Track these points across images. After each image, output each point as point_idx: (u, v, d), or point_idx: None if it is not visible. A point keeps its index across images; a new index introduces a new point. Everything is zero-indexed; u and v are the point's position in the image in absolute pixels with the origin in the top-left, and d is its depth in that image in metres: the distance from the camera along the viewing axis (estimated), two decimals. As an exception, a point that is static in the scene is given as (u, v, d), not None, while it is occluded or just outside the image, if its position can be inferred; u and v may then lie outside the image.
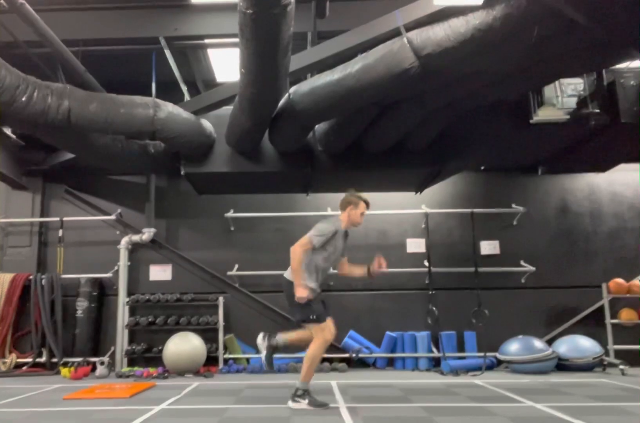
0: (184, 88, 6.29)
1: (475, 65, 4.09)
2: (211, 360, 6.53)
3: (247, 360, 6.77)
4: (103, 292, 7.06)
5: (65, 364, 6.19)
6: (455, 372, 5.99)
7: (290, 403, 3.98)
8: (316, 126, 5.62)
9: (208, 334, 6.66)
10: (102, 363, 6.19)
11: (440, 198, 7.31)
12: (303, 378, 3.99)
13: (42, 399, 4.61)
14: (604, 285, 6.68)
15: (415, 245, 7.21)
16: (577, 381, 5.34)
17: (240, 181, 6.48)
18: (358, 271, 4.44)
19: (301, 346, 4.52)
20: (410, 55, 3.99)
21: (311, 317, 3.98)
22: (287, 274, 4.27)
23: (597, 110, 5.37)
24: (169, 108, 5.32)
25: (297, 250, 4.04)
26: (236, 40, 3.99)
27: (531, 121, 5.47)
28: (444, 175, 6.57)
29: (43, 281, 6.81)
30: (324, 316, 4.02)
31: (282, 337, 4.19)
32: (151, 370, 6.17)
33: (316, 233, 4.08)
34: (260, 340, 4.21)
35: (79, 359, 6.27)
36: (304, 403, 3.93)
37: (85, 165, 6.75)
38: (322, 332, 3.98)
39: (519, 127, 5.67)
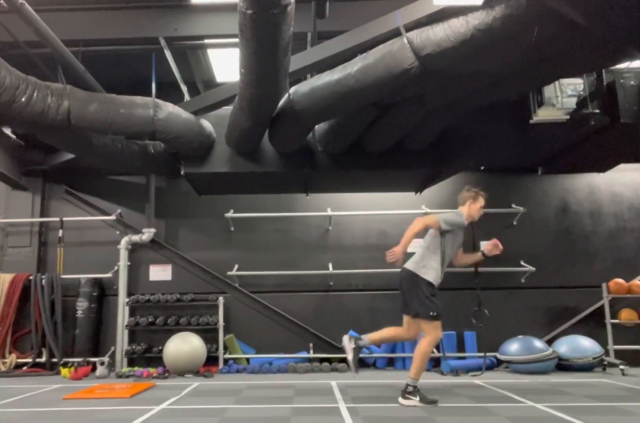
0: (184, 88, 6.30)
1: (475, 65, 4.09)
2: (211, 360, 6.53)
3: (247, 360, 6.77)
4: (103, 292, 7.06)
5: (65, 364, 6.19)
6: (455, 372, 5.99)
7: (401, 400, 4.00)
8: (316, 126, 5.62)
9: (208, 334, 6.66)
10: (102, 363, 6.19)
11: (440, 198, 7.31)
12: (414, 375, 4.00)
13: (42, 399, 4.61)
14: (604, 285, 6.68)
15: (416, 245, 7.17)
16: (577, 381, 5.34)
17: (240, 181, 6.48)
18: (474, 258, 4.62)
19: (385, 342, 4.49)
20: (410, 55, 3.99)
21: (431, 314, 4.02)
22: (410, 265, 4.30)
23: (597, 111, 5.38)
24: (169, 108, 5.33)
25: (420, 221, 4.14)
26: (236, 40, 3.99)
27: (531, 121, 5.47)
28: (444, 175, 6.57)
29: (43, 281, 6.81)
30: (441, 315, 4.06)
31: (368, 337, 4.26)
32: (151, 370, 6.17)
33: (447, 220, 4.16)
34: (347, 342, 4.25)
35: (79, 359, 6.27)
36: (415, 400, 3.95)
37: (85, 165, 6.76)
38: (436, 330, 4.04)
39: (519, 127, 5.67)
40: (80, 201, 7.38)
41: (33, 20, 4.46)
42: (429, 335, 4.04)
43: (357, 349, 4.21)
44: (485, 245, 4.58)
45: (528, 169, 7.27)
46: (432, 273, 4.19)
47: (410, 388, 4.00)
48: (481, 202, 4.41)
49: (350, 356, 4.20)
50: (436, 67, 4.04)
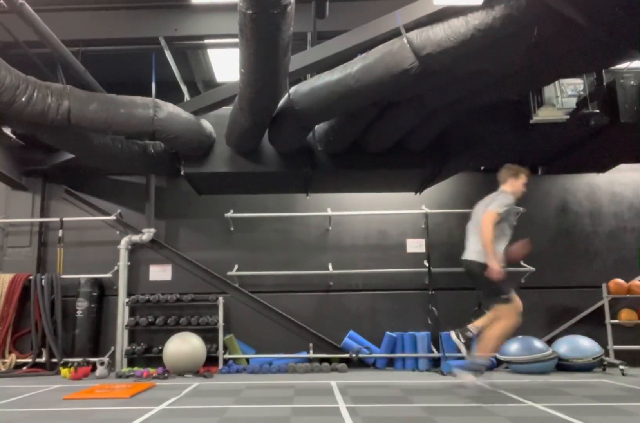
0: (184, 88, 6.29)
1: (475, 65, 4.09)
2: (211, 360, 6.53)
3: (247, 360, 6.77)
4: (103, 292, 7.06)
5: (65, 364, 6.19)
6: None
7: (458, 372, 4.06)
8: (316, 126, 5.62)
9: (208, 334, 6.65)
10: (102, 363, 6.18)
11: (440, 198, 7.31)
12: (482, 351, 4.03)
13: (42, 399, 4.61)
14: (604, 285, 6.68)
15: (415, 245, 7.21)
16: (577, 381, 5.34)
17: (240, 181, 6.48)
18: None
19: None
20: (410, 55, 3.99)
21: (503, 297, 4.06)
22: (472, 255, 4.30)
23: (597, 110, 5.38)
24: (169, 108, 5.32)
25: (488, 224, 4.12)
26: (236, 40, 3.99)
27: (531, 121, 5.47)
28: (444, 175, 6.57)
29: (43, 281, 6.81)
30: (513, 296, 4.07)
31: (474, 326, 4.26)
32: (151, 370, 6.17)
33: (500, 205, 4.19)
34: (455, 337, 4.28)
35: (79, 359, 6.26)
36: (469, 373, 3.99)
37: (85, 165, 6.75)
38: (511, 313, 4.06)
39: (519, 127, 5.67)
40: (80, 201, 7.38)
41: (33, 20, 4.46)
42: (504, 319, 4.05)
43: (469, 341, 4.23)
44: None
45: (528, 169, 7.26)
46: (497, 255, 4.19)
47: (474, 366, 4.03)
48: (523, 178, 4.46)
49: (464, 350, 4.23)
50: (436, 67, 4.04)
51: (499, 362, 6.38)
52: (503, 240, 4.28)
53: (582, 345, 6.11)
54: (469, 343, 4.23)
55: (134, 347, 6.63)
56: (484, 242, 4.11)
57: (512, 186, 4.43)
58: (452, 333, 4.35)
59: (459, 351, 4.39)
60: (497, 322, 4.14)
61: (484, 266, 4.15)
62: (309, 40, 5.24)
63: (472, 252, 4.31)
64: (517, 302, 4.16)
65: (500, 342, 4.08)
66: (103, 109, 4.98)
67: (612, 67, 5.18)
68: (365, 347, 6.68)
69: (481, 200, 4.67)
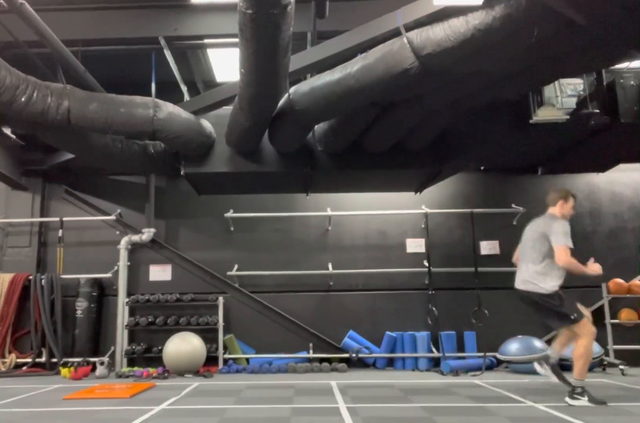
0: (184, 88, 6.29)
1: (475, 65, 4.09)
2: (211, 360, 6.53)
3: (247, 360, 6.77)
4: (103, 292, 7.06)
5: (65, 364, 6.19)
6: (455, 372, 5.99)
7: (569, 400, 3.99)
8: (316, 126, 5.62)
9: (208, 334, 6.66)
10: (102, 363, 6.18)
11: (440, 198, 7.31)
12: (579, 376, 4.01)
13: (42, 399, 4.61)
14: (603, 285, 6.68)
15: (415, 245, 7.21)
16: (577, 381, 5.33)
17: (240, 181, 6.48)
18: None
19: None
20: (410, 55, 3.99)
21: (572, 318, 4.04)
22: (524, 286, 4.30)
23: (597, 110, 5.37)
24: (169, 108, 5.32)
25: (570, 261, 4.15)
26: (236, 40, 3.99)
27: (531, 121, 5.46)
28: (444, 175, 6.57)
29: (43, 281, 6.81)
30: (580, 312, 4.07)
31: (553, 352, 4.29)
32: (151, 370, 6.16)
33: (565, 236, 4.16)
34: (540, 369, 4.31)
35: (79, 359, 6.27)
36: (584, 400, 3.95)
37: (85, 165, 6.76)
38: (586, 327, 4.05)
39: (518, 127, 5.66)
40: (80, 201, 7.38)
41: (33, 20, 4.46)
42: (584, 336, 4.04)
43: (555, 366, 4.25)
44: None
45: (528, 169, 7.27)
46: (552, 280, 4.18)
47: (578, 390, 4.00)
48: (572, 201, 4.44)
49: (554, 378, 4.24)
50: (436, 67, 4.04)
51: (499, 362, 6.39)
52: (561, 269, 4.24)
53: (582, 345, 6.10)
54: (555, 369, 4.24)
55: (133, 347, 6.63)
56: (579, 273, 4.17)
57: (562, 209, 4.40)
58: (536, 365, 4.36)
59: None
60: (576, 340, 4.13)
61: (539, 296, 4.14)
62: (309, 40, 5.23)
63: (527, 282, 4.26)
64: (586, 312, 4.16)
65: (589, 359, 4.08)
66: (103, 109, 4.98)
67: (612, 67, 5.18)
68: (365, 347, 6.69)
69: (531, 222, 4.56)
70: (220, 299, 6.84)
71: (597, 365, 6.12)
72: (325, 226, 7.27)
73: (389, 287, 7.09)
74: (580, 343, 4.03)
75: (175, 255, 7.19)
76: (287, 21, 3.62)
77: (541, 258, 4.22)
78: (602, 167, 7.07)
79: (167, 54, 5.66)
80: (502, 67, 4.17)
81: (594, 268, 4.16)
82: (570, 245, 4.15)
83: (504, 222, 7.14)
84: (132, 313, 6.96)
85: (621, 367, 5.80)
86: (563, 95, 5.24)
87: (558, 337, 4.39)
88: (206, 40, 5.65)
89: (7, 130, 6.37)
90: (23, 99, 4.63)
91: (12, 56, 4.96)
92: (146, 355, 6.61)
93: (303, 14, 4.61)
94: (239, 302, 7.04)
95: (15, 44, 5.00)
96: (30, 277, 6.87)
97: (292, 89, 4.90)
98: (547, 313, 4.18)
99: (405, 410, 3.88)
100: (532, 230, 4.44)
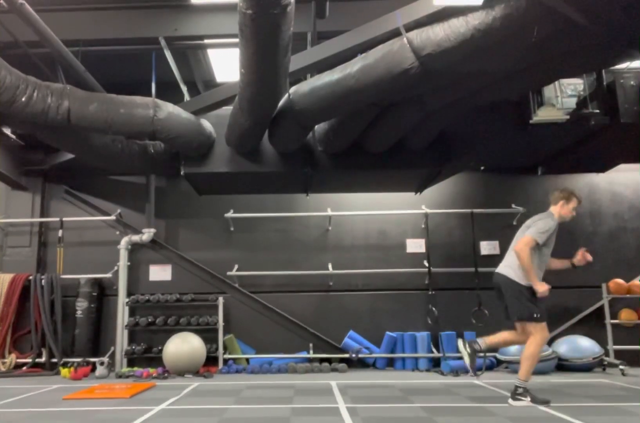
0: (184, 88, 6.29)
1: (475, 65, 4.09)
2: (211, 361, 6.53)
3: (247, 360, 6.77)
4: (103, 292, 7.06)
5: (65, 364, 6.19)
6: (455, 372, 5.99)
7: (512, 402, 4.01)
8: (316, 126, 5.61)
9: (208, 334, 6.65)
10: (101, 363, 6.19)
11: (440, 198, 7.31)
12: (523, 376, 4.03)
13: (42, 399, 4.61)
14: (604, 285, 6.68)
15: (415, 246, 7.21)
16: (577, 381, 5.34)
17: (240, 181, 6.48)
18: (561, 264, 4.56)
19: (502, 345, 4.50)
20: (410, 55, 3.98)
21: (535, 316, 4.05)
22: (504, 270, 4.29)
23: (597, 111, 5.38)
24: (169, 108, 5.32)
25: (523, 249, 4.09)
26: (236, 40, 3.99)
27: (531, 121, 5.47)
28: (444, 175, 6.57)
29: (43, 281, 6.81)
30: (545, 315, 4.08)
31: (483, 341, 4.28)
32: (151, 370, 6.17)
33: (540, 231, 4.13)
34: (462, 347, 4.30)
35: (79, 359, 6.27)
36: (526, 401, 3.96)
37: (85, 165, 6.75)
38: (542, 331, 4.07)
39: (519, 127, 5.67)
40: (80, 201, 7.38)
41: (33, 20, 4.45)
42: (534, 337, 4.05)
43: (474, 353, 4.24)
44: (577, 257, 4.46)
45: (528, 169, 7.27)
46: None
47: (520, 390, 4.02)
48: (574, 202, 4.40)
49: (467, 360, 4.26)
50: (436, 67, 4.04)
51: (499, 362, 6.39)
52: (542, 266, 4.24)
53: (582, 345, 6.11)
54: (473, 355, 4.23)
55: (133, 347, 6.63)
56: (523, 267, 4.10)
57: (561, 209, 4.37)
58: (460, 342, 4.37)
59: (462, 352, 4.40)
60: (527, 342, 4.13)
61: (515, 284, 4.14)
62: (309, 40, 5.23)
63: (507, 267, 4.27)
64: (545, 331, 4.15)
65: (535, 362, 4.08)
66: (103, 109, 4.98)
67: (612, 67, 5.18)
68: (365, 347, 6.69)
69: (531, 217, 4.54)
70: (220, 299, 6.84)
71: (597, 365, 6.13)
72: (325, 226, 7.27)
73: (389, 287, 7.10)
74: (532, 343, 4.05)
75: (175, 255, 7.19)
76: (287, 21, 3.62)
77: None
78: (602, 167, 7.07)
79: (167, 54, 5.66)
80: (502, 67, 4.16)
81: (542, 288, 4.06)
82: (540, 241, 4.12)
83: (504, 222, 7.14)
84: (132, 313, 6.96)
85: (621, 367, 5.80)
86: (563, 95, 5.25)
87: (505, 332, 4.35)
88: (206, 41, 5.64)
89: (7, 130, 6.38)
90: (23, 99, 4.63)
91: (12, 56, 4.95)
92: (146, 355, 6.61)
93: (303, 14, 4.61)
94: (239, 302, 7.04)
95: (15, 44, 4.99)
96: (30, 277, 6.87)
97: (292, 89, 4.90)
98: (514, 302, 4.14)
99: (405, 410, 3.88)
100: (525, 223, 4.47)
